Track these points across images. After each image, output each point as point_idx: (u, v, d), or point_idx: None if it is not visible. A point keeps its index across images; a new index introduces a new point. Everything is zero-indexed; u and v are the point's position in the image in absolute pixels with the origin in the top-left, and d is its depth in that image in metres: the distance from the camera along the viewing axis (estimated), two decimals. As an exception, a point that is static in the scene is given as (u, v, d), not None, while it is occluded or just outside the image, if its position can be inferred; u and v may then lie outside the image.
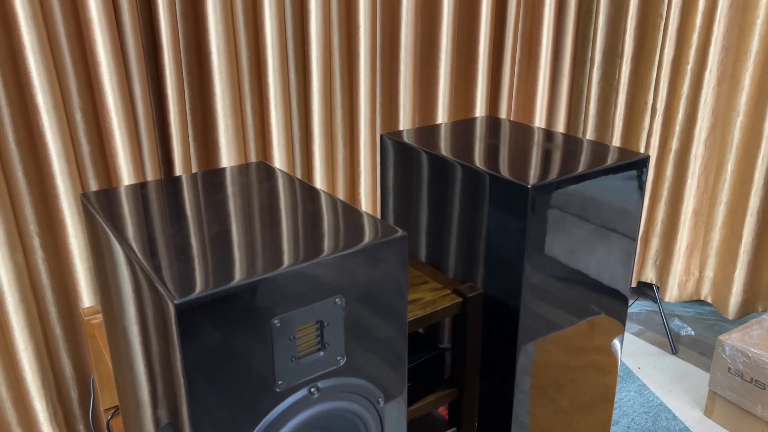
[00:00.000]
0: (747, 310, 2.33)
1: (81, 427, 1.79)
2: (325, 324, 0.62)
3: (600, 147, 1.36)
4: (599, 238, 1.28)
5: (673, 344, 2.53)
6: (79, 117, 1.58)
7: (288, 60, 1.84)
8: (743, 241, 2.23)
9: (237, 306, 0.55)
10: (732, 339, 2.01)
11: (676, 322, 2.67)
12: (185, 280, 0.55)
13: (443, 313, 1.27)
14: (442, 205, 1.35)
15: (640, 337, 2.60)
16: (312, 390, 0.64)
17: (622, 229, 1.30)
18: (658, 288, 2.57)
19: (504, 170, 1.19)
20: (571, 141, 1.41)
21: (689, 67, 2.19)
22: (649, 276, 2.56)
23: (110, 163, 1.59)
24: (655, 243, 2.49)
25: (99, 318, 1.50)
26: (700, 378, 2.31)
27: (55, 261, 1.65)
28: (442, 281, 1.33)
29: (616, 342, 1.43)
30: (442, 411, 1.51)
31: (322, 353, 0.63)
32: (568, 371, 1.37)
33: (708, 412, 2.13)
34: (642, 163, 1.29)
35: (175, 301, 0.52)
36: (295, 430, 0.71)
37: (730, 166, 2.22)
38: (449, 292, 1.30)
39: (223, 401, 0.59)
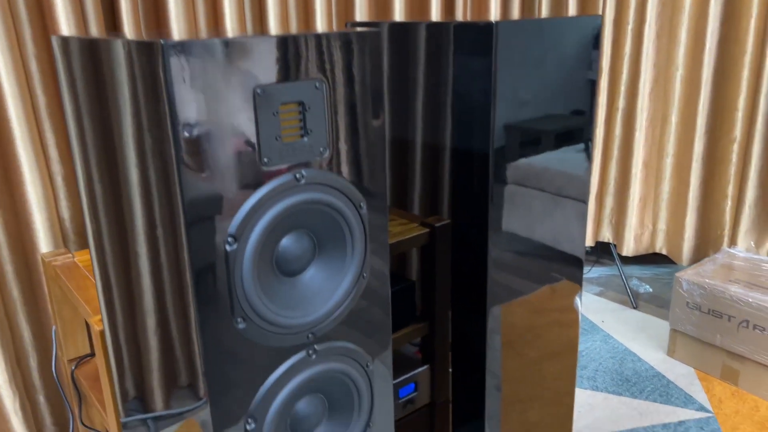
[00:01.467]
0: (699, 256, 2.42)
1: (38, 384, 1.71)
2: (307, 107, 0.63)
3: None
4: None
5: (633, 300, 2.60)
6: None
7: None
8: (691, 187, 2.33)
9: (220, 59, 0.56)
10: (688, 274, 2.09)
11: (634, 282, 2.75)
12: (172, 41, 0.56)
13: (411, 242, 1.28)
14: (405, 73, 1.31)
15: (602, 296, 2.67)
16: (297, 176, 0.64)
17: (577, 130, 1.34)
18: (615, 246, 2.65)
19: (466, 18, 1.17)
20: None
21: (630, 27, 2.31)
22: (606, 235, 2.64)
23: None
24: (609, 202, 2.57)
25: (60, 260, 1.46)
26: (660, 326, 2.38)
27: (10, 213, 1.60)
28: (410, 218, 1.35)
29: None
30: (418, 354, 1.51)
31: (305, 139, 0.64)
32: (533, 321, 1.39)
33: (670, 351, 2.19)
34: (595, 19, 1.27)
35: (161, 41, 0.53)
36: (294, 392, 0.71)
37: (674, 118, 2.33)
38: (417, 225, 1.32)
39: (211, 173, 0.59)
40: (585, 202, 1.36)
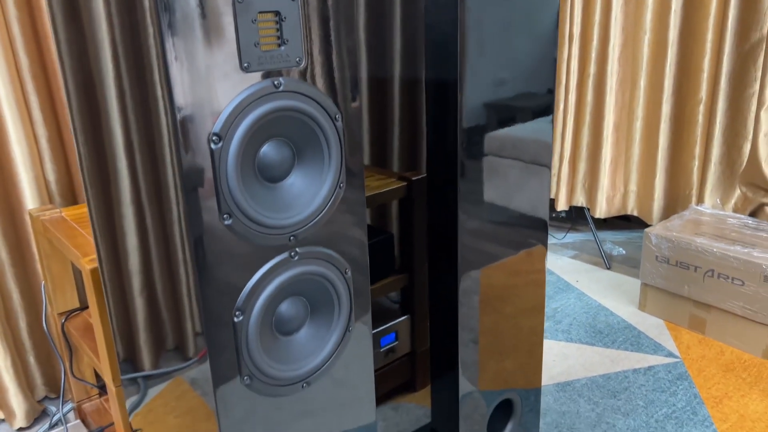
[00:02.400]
0: (669, 216, 2.51)
1: (28, 344, 1.75)
2: (283, 17, 0.69)
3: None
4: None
5: (606, 261, 2.69)
6: None
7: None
8: (659, 148, 2.42)
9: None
10: (656, 229, 2.17)
11: (608, 245, 2.84)
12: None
13: (390, 195, 1.34)
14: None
15: (577, 259, 2.75)
16: (276, 83, 0.70)
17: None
18: (589, 210, 2.73)
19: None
20: None
21: (599, -6, 2.38)
22: (580, 200, 2.72)
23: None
24: (582, 167, 2.65)
25: (48, 213, 1.50)
26: (632, 284, 2.47)
27: (-2, 173, 1.63)
28: (388, 174, 1.41)
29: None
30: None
31: (282, 48, 0.70)
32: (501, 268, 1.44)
33: (641, 305, 2.29)
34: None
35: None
36: (277, 290, 0.77)
37: (642, 82, 2.41)
38: (394, 179, 1.38)
39: (197, 76, 0.65)
40: (548, 166, 1.41)
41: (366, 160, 1.56)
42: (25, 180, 1.62)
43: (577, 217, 3.20)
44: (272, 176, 0.75)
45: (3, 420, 1.77)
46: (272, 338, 0.80)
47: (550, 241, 2.95)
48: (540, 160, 1.38)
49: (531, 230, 1.42)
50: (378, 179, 1.42)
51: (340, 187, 0.81)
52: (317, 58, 0.74)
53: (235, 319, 0.74)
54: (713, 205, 2.37)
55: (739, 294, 1.96)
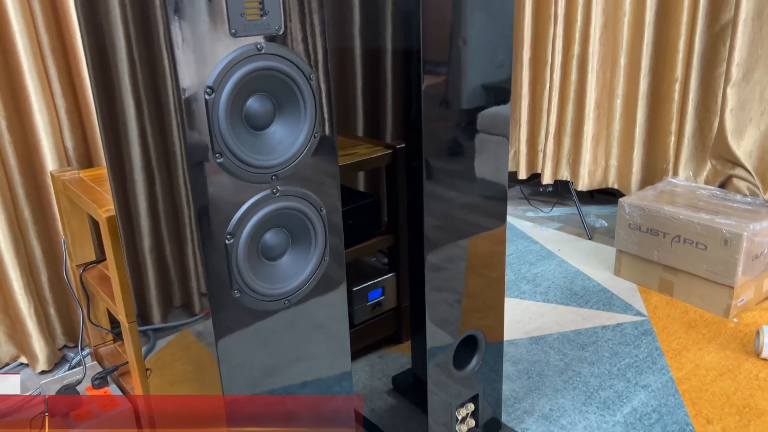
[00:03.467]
0: (645, 187, 2.66)
1: (48, 296, 1.94)
2: (264, -8, 0.85)
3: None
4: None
5: (588, 232, 2.85)
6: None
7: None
8: (637, 124, 2.56)
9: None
10: (630, 199, 2.33)
11: (591, 218, 2.99)
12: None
13: (375, 161, 1.49)
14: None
15: (561, 231, 2.91)
16: (258, 46, 0.86)
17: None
18: (572, 183, 2.88)
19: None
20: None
21: (582, -23, 2.51)
22: (564, 174, 2.87)
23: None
24: (566, 142, 2.80)
25: (68, 174, 1.67)
26: (610, 253, 2.62)
27: (21, 140, 1.80)
28: (375, 143, 1.55)
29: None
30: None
31: (264, 18, 0.86)
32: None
33: (616, 271, 2.44)
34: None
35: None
36: (262, 220, 0.93)
37: (622, 61, 2.55)
38: (382, 148, 1.53)
39: (194, 40, 0.81)
40: (506, 137, 1.53)
41: (361, 132, 1.71)
42: (47, 146, 1.79)
43: (563, 192, 3.36)
44: (257, 125, 0.91)
45: (26, 364, 1.96)
46: (259, 262, 0.97)
47: (537, 214, 3.11)
48: (498, 131, 1.50)
49: (492, 193, 1.56)
50: (367, 148, 1.58)
51: (314, 136, 0.97)
52: (294, 27, 0.90)
53: (227, 242, 0.91)
54: (686, 178, 2.52)
55: (703, 257, 2.11)
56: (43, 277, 1.93)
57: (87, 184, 1.60)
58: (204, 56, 0.83)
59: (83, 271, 1.74)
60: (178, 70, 0.81)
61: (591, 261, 2.58)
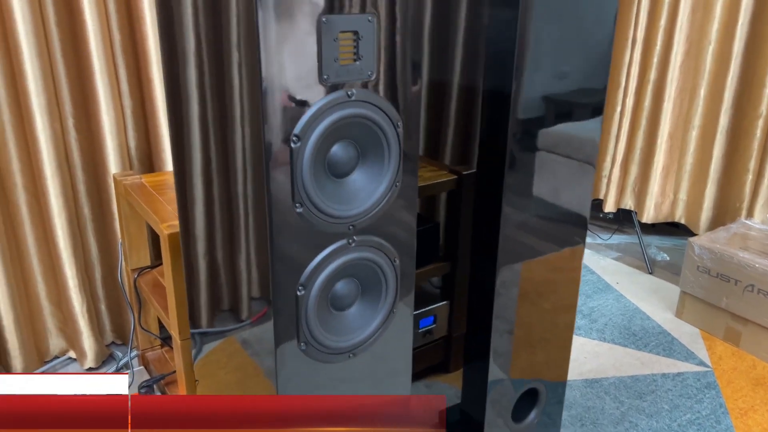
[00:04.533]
0: (716, 227, 2.52)
1: (101, 294, 1.94)
2: (361, 36, 0.79)
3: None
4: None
5: (649, 265, 2.72)
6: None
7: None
8: (713, 158, 2.42)
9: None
10: (701, 240, 2.20)
11: (653, 250, 2.86)
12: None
13: (440, 186, 1.43)
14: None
15: (620, 261, 2.79)
16: (349, 93, 0.81)
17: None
18: (636, 214, 2.76)
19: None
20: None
21: (666, 2, 2.39)
22: (628, 203, 2.75)
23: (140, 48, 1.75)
24: (633, 170, 2.68)
25: (130, 179, 1.66)
26: (672, 291, 2.49)
27: (87, 139, 1.80)
28: (439, 166, 1.49)
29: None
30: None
31: (357, 63, 0.80)
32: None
33: (679, 313, 2.32)
34: None
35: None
36: (335, 271, 0.88)
37: (702, 91, 2.42)
38: (446, 172, 1.47)
39: (286, 85, 0.76)
40: (593, 165, 1.46)
41: (421, 151, 1.65)
42: (111, 146, 1.78)
43: (624, 220, 3.23)
44: (339, 172, 0.86)
45: (75, 359, 1.97)
46: (327, 312, 0.92)
47: (595, 240, 2.99)
48: (587, 158, 1.42)
49: (572, 227, 1.49)
50: (430, 170, 1.52)
51: (396, 185, 0.91)
52: (385, 71, 0.84)
53: (298, 293, 0.86)
54: (762, 220, 2.37)
55: (777, 311, 1.98)
56: (97, 274, 1.94)
57: (148, 191, 1.58)
58: (293, 103, 0.78)
59: (138, 275, 1.73)
60: (266, 116, 0.76)
61: (651, 299, 2.46)
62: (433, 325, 1.55)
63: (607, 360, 2.07)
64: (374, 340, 0.98)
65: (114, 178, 1.72)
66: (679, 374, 1.99)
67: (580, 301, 2.45)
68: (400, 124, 0.87)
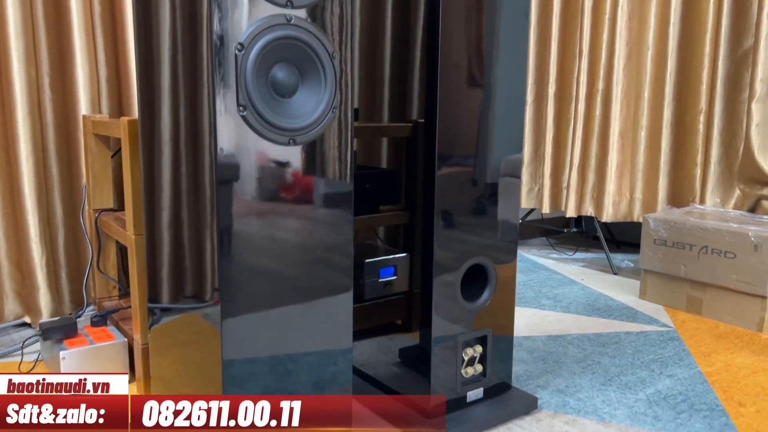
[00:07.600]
0: (672, 217, 2.59)
1: (61, 238, 1.92)
2: None
3: None
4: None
5: (614, 268, 2.76)
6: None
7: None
8: (662, 152, 2.56)
9: None
10: (655, 215, 2.28)
11: (617, 260, 2.91)
12: None
13: (395, 130, 1.53)
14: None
15: (585, 267, 2.83)
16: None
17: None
18: (596, 218, 2.84)
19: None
20: None
21: (606, 16, 2.64)
22: (588, 209, 2.84)
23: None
24: (591, 177, 2.79)
25: (98, 117, 1.73)
26: (636, 285, 2.51)
27: (60, 84, 1.88)
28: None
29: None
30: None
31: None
32: None
33: (642, 294, 2.34)
34: None
35: None
36: (272, 43, 0.97)
37: (646, 93, 2.60)
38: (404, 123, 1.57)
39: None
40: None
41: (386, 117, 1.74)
42: (83, 90, 1.86)
43: (588, 238, 3.30)
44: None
45: (29, 324, 1.93)
46: (269, 95, 0.98)
47: (561, 255, 3.04)
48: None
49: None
50: (390, 123, 1.61)
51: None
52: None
53: (237, 52, 0.93)
54: (714, 205, 2.46)
55: (732, 267, 2.02)
56: (59, 221, 1.90)
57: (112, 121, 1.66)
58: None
59: (98, 215, 1.76)
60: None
61: (615, 288, 2.48)
62: (394, 277, 1.55)
63: (572, 324, 2.06)
64: (314, 133, 1.04)
65: (83, 117, 1.79)
66: (642, 332, 1.99)
67: (545, 290, 2.46)
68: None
